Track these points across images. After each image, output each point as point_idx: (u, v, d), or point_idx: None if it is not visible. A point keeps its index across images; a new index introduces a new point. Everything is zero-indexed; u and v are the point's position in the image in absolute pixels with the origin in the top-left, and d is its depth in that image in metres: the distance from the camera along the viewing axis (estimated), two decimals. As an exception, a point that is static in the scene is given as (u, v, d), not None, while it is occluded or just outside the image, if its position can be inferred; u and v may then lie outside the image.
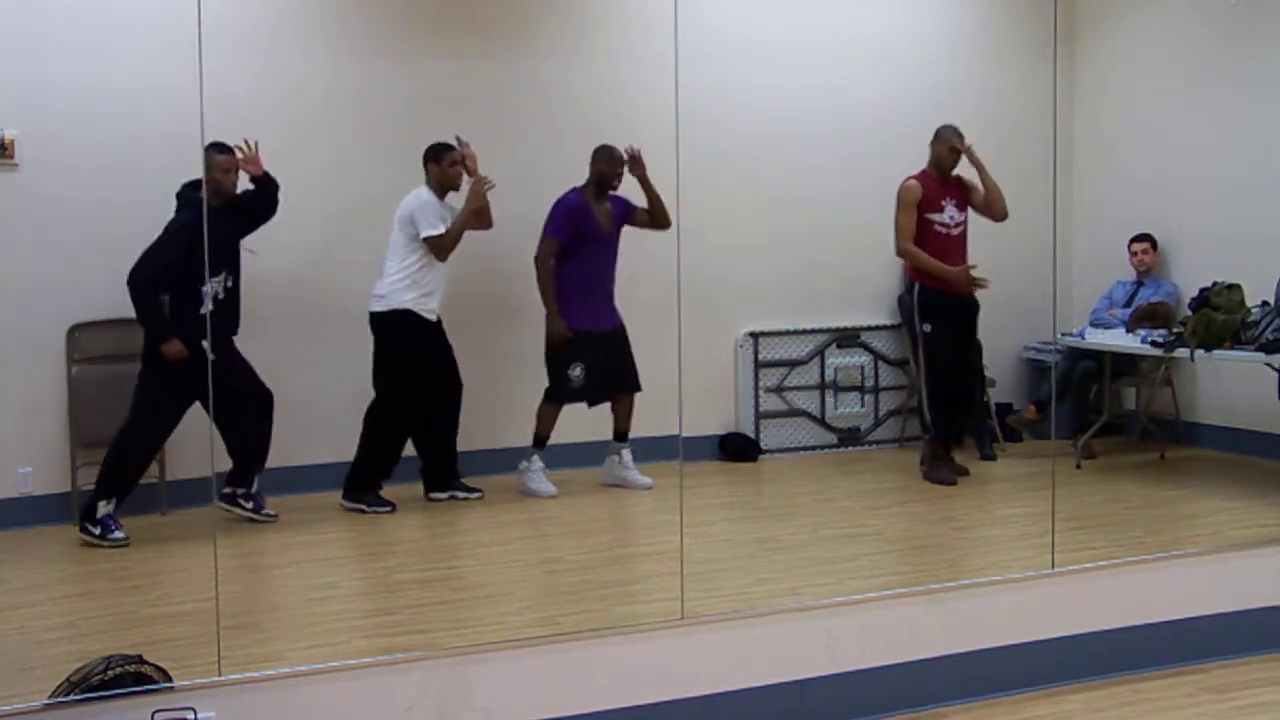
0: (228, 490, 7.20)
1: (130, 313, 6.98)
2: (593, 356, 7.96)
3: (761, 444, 9.04)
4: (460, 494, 7.81)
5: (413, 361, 7.61)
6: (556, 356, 7.94)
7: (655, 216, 7.98)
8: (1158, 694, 5.40)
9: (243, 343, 7.17)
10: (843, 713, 5.12)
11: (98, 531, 6.76)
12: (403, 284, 7.55)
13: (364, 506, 7.49)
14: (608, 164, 7.98)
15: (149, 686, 4.34)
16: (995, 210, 8.30)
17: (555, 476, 7.95)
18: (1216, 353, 7.80)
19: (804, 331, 9.20)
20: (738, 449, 8.93)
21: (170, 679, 4.40)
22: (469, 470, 7.91)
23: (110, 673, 4.32)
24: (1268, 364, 7.64)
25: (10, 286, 7.05)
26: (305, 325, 7.80)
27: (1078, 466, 8.44)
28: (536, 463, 7.96)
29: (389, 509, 7.50)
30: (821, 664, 5.13)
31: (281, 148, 7.40)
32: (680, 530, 5.56)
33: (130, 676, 4.33)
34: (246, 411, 7.13)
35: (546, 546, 7.11)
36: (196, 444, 6.70)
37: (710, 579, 5.78)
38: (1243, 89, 8.74)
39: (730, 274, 8.82)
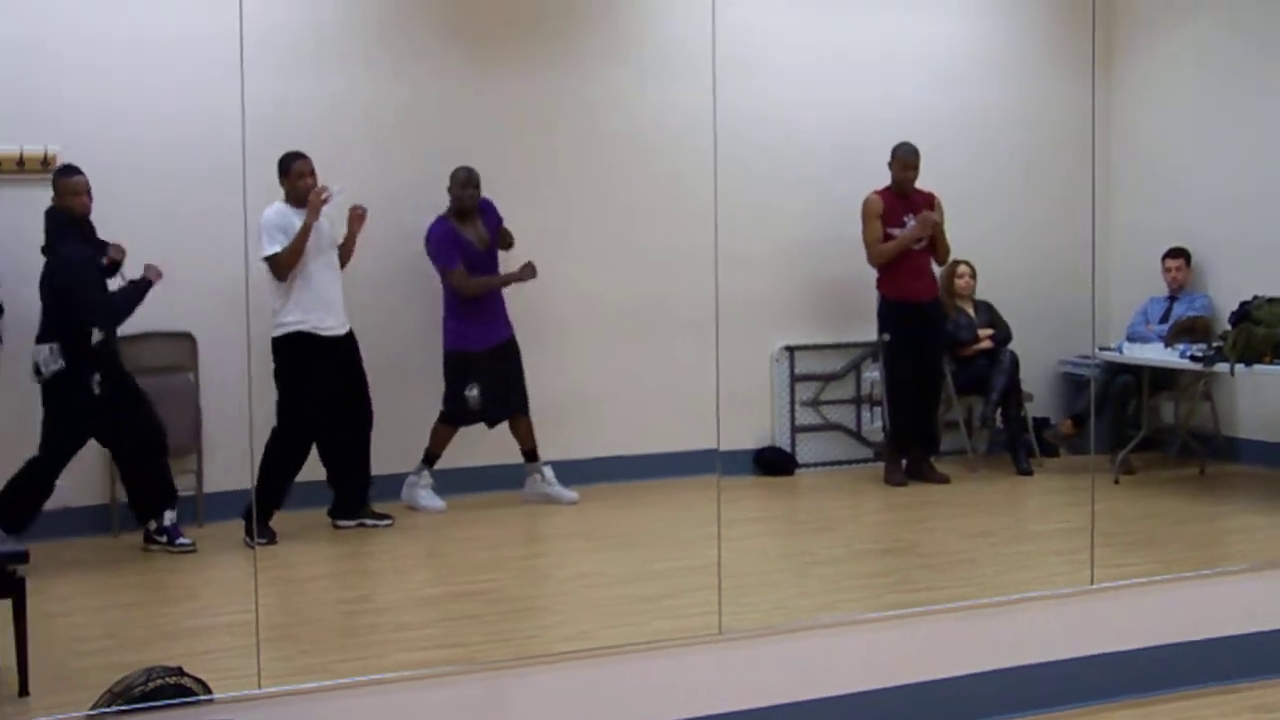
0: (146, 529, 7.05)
1: (170, 325, 7.05)
2: (490, 374, 7.88)
3: (797, 458, 9.02)
4: (369, 521, 7.48)
5: (306, 385, 7.29)
6: (454, 378, 7.86)
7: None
8: (1200, 712, 5.36)
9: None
10: (881, 729, 5.12)
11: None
12: (284, 304, 7.29)
13: (247, 539, 6.88)
14: (460, 187, 7.85)
15: (189, 698, 4.35)
16: (938, 255, 8.77)
17: (587, 491, 7.96)
18: (1257, 367, 7.75)
19: (839, 345, 9.17)
20: (773, 463, 8.91)
21: (210, 691, 4.42)
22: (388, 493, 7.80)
23: (151, 684, 4.33)
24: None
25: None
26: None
27: (1116, 481, 8.39)
28: (425, 478, 7.86)
29: (265, 541, 6.96)
30: (859, 679, 5.11)
31: (323, 166, 7.42)
32: (718, 544, 5.55)
33: (171, 688, 4.35)
34: (141, 447, 7.00)
35: (581, 560, 7.10)
36: (235, 456, 6.70)
37: (747, 593, 5.76)
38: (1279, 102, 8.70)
39: (766, 288, 8.80)
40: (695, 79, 6.21)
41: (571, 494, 7.99)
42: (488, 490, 8.03)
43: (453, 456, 7.91)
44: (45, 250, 6.76)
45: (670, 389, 8.25)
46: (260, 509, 6.99)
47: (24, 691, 4.87)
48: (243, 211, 5.48)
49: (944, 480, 8.52)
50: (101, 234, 6.90)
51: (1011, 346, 9.01)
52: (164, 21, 7.31)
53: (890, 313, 8.62)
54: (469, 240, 7.86)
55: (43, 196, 6.83)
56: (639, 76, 8.54)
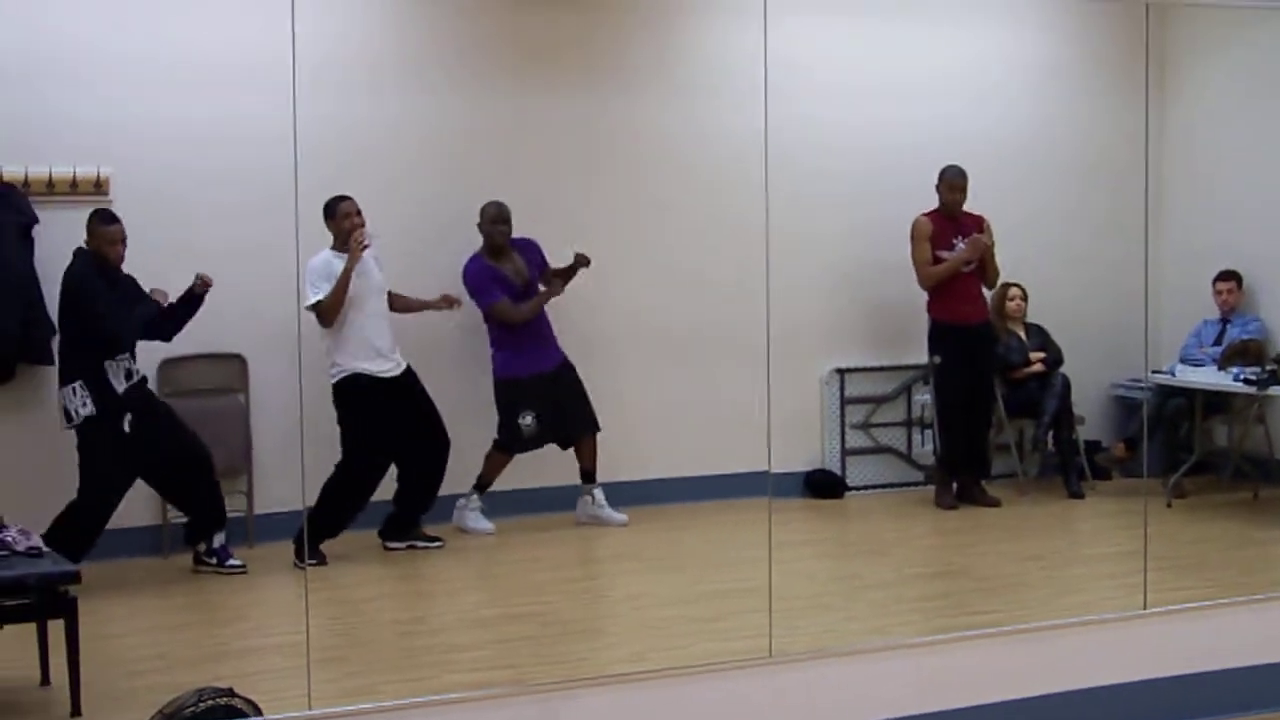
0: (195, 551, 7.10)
1: (221, 347, 7.10)
2: (543, 400, 7.89)
3: (847, 480, 8.99)
4: (420, 544, 7.52)
5: (370, 427, 7.32)
6: (507, 404, 7.88)
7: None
8: (1254, 738, 5.32)
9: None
10: (932, 753, 5.09)
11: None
12: (336, 350, 7.32)
13: (297, 561, 6.87)
14: (490, 223, 7.84)
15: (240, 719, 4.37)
16: (987, 279, 8.72)
17: (638, 512, 7.97)
18: (1311, 390, 7.69)
19: (890, 368, 9.15)
20: (823, 485, 8.88)
21: (261, 712, 4.44)
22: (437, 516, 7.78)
23: (202, 705, 4.35)
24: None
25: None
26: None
27: (1169, 505, 8.32)
28: (474, 502, 7.87)
29: (315, 562, 6.93)
30: (910, 703, 5.09)
31: (375, 191, 7.47)
32: (769, 566, 5.53)
33: (222, 709, 4.37)
34: (185, 474, 6.99)
35: (632, 582, 7.10)
36: (287, 477, 6.72)
37: (797, 616, 5.74)
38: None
39: (816, 310, 8.79)
40: (743, 102, 6.23)
41: (621, 516, 8.00)
42: (537, 513, 8.03)
43: (501, 479, 7.92)
44: (63, 282, 6.72)
45: (721, 412, 8.25)
46: (314, 534, 6.96)
47: (76, 712, 4.90)
48: (294, 234, 5.51)
49: (995, 503, 8.48)
50: (157, 255, 6.95)
51: (1063, 369, 8.95)
52: (217, 45, 7.36)
53: (941, 335, 8.60)
54: (506, 274, 7.87)
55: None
56: (688, 100, 8.54)
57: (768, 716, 4.91)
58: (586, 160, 8.34)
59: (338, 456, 7.23)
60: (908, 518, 8.48)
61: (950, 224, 8.56)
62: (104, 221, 6.74)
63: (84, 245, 6.73)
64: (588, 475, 8.05)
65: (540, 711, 4.67)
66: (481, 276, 7.83)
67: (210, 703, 4.37)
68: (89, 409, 6.61)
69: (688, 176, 8.42)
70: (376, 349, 7.36)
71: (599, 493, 8.04)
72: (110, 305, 6.66)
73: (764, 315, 6.02)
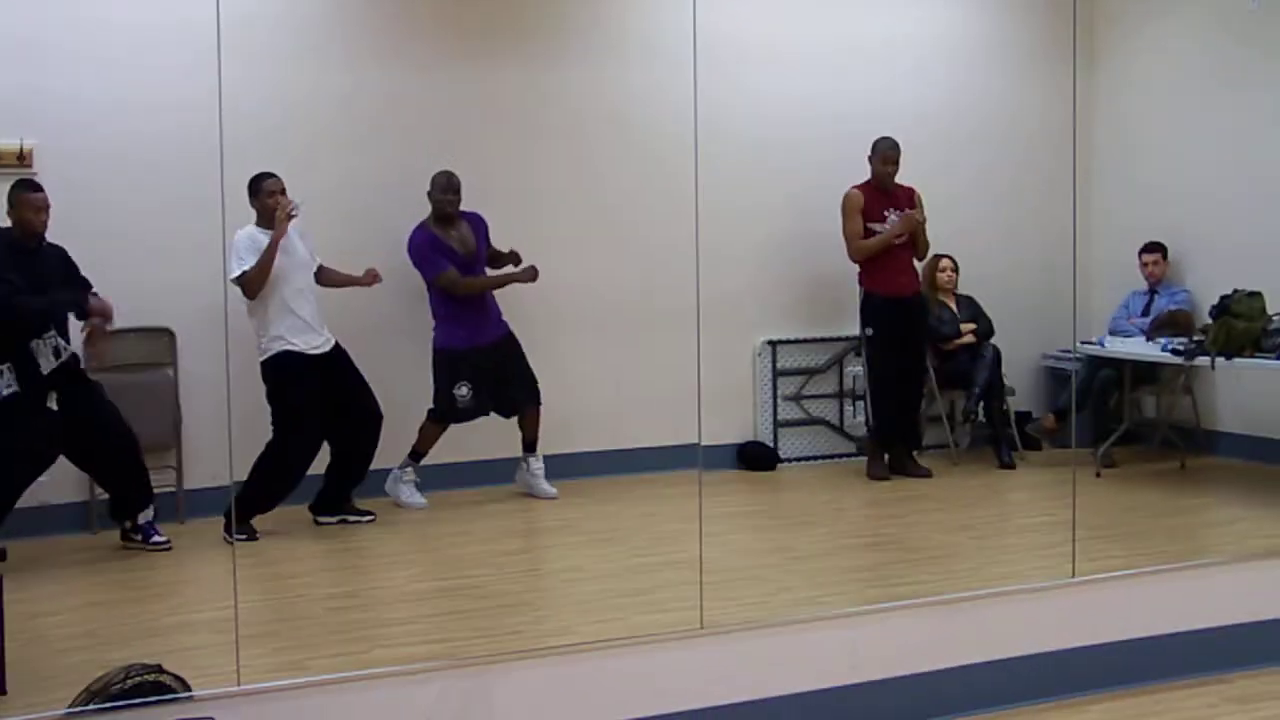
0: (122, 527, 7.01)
1: (149, 321, 7.02)
2: (481, 372, 7.86)
3: (780, 452, 9.02)
4: (351, 518, 7.49)
5: (300, 404, 7.27)
6: (443, 375, 7.85)
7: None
8: (1180, 704, 5.36)
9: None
10: (864, 723, 5.11)
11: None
12: (263, 328, 7.26)
13: (226, 535, 6.85)
14: (440, 191, 7.79)
15: (169, 696, 4.33)
16: (918, 251, 8.75)
17: (570, 485, 7.96)
18: (1237, 360, 7.75)
19: (822, 340, 9.17)
20: (756, 457, 8.91)
21: (190, 688, 4.39)
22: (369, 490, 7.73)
23: (130, 682, 4.31)
24: (1288, 372, 7.61)
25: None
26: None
27: (1098, 475, 8.40)
28: (409, 474, 7.84)
29: (245, 537, 6.96)
30: (842, 674, 5.10)
31: (298, 158, 7.41)
32: (700, 539, 5.53)
33: (150, 686, 4.32)
34: (110, 453, 6.89)
35: (564, 555, 7.10)
36: (217, 452, 6.66)
37: (729, 588, 5.76)
38: (1262, 96, 8.71)
39: (748, 282, 8.80)
40: (677, 73, 6.19)
41: (551, 490, 7.99)
42: (470, 486, 8.02)
43: (435, 452, 7.89)
44: None
45: (653, 384, 8.26)
46: (245, 510, 6.97)
47: (2, 690, 4.84)
48: (220, 205, 5.46)
49: (926, 474, 8.53)
50: (81, 229, 6.85)
51: (994, 341, 9.02)
52: (139, 9, 7.29)
53: (873, 307, 8.62)
54: (452, 245, 7.82)
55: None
56: (621, 70, 8.53)
57: (699, 688, 4.90)
58: (516, 131, 8.29)
59: (269, 431, 7.18)
60: (840, 489, 8.51)
61: (882, 196, 8.58)
62: (26, 189, 6.64)
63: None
64: (529, 445, 8.03)
65: (471, 685, 4.66)
66: (427, 247, 7.78)
67: (138, 679, 4.33)
68: (12, 387, 6.52)
69: (620, 147, 8.41)
70: (304, 322, 7.30)
71: (534, 462, 8.02)
72: (19, 287, 6.52)
73: (695, 287, 6.02)
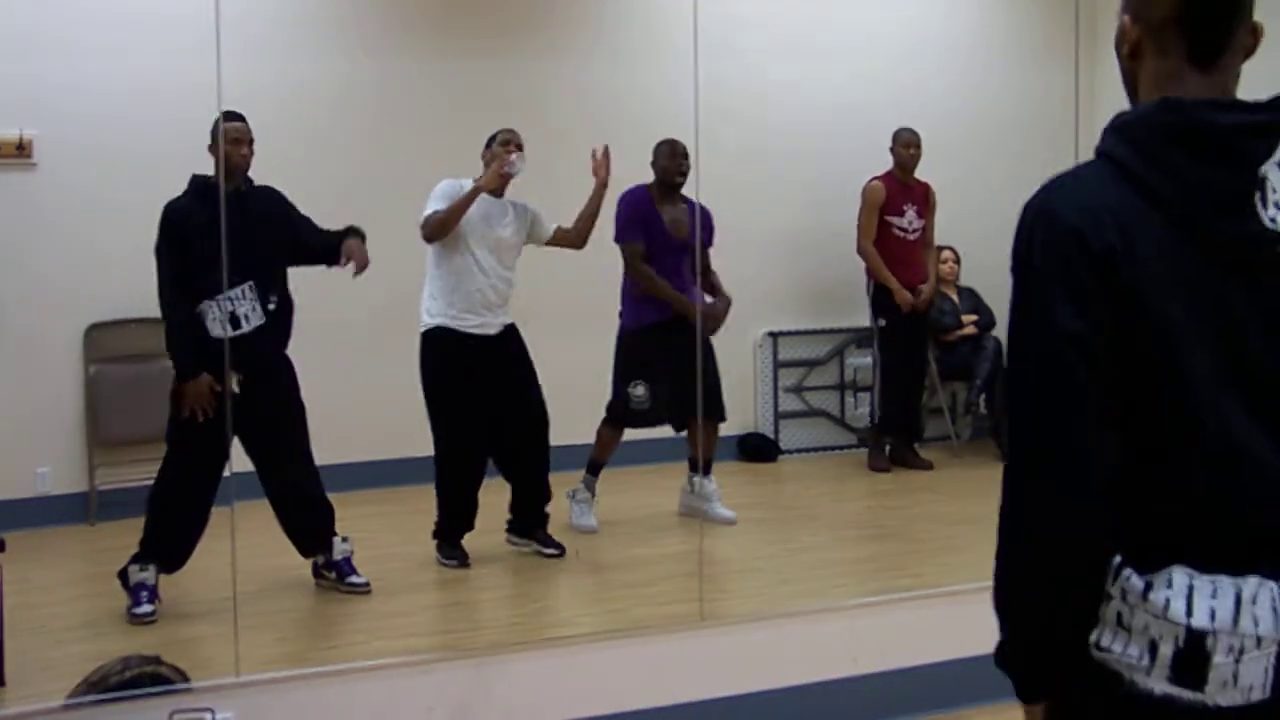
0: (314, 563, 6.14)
1: (144, 312, 7.00)
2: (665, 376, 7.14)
3: (780, 444, 9.01)
4: (544, 549, 6.57)
5: (450, 389, 6.43)
6: (625, 371, 7.25)
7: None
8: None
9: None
10: (865, 715, 5.09)
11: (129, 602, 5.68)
12: (429, 296, 6.55)
13: (440, 557, 6.43)
14: (668, 158, 7.15)
15: (167, 687, 4.32)
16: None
17: (570, 478, 7.94)
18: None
19: (823, 331, 9.16)
20: (756, 449, 8.90)
21: (188, 679, 4.40)
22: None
23: (128, 673, 4.31)
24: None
25: (28, 286, 7.04)
26: (318, 330, 7.69)
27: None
28: (583, 493, 7.20)
29: (455, 563, 6.41)
30: (844, 665, 5.10)
31: (298, 148, 7.38)
32: (700, 531, 5.53)
33: (148, 677, 4.33)
34: (289, 458, 6.03)
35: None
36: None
37: (730, 580, 5.76)
38: (1261, 90, 8.65)
39: (749, 273, 8.76)
40: (679, 64, 6.18)
41: (730, 514, 7.19)
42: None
43: (403, 447, 7.61)
44: None
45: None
46: (452, 530, 6.48)
47: (0, 681, 4.84)
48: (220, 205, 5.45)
49: (928, 466, 8.52)
50: (82, 217, 6.84)
51: (995, 333, 9.00)
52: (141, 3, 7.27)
53: (886, 298, 8.58)
54: (662, 219, 7.14)
55: (19, 182, 6.79)
56: (621, 61, 8.51)
57: (699, 680, 4.90)
58: (515, 122, 8.25)
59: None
60: (841, 481, 8.51)
61: (902, 190, 8.61)
62: (227, 119, 5.73)
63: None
64: (702, 464, 7.30)
65: (470, 677, 4.65)
66: (634, 209, 7.19)
67: (136, 670, 4.33)
68: None
69: (620, 139, 8.34)
70: (469, 296, 6.53)
71: (708, 484, 7.31)
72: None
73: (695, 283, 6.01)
